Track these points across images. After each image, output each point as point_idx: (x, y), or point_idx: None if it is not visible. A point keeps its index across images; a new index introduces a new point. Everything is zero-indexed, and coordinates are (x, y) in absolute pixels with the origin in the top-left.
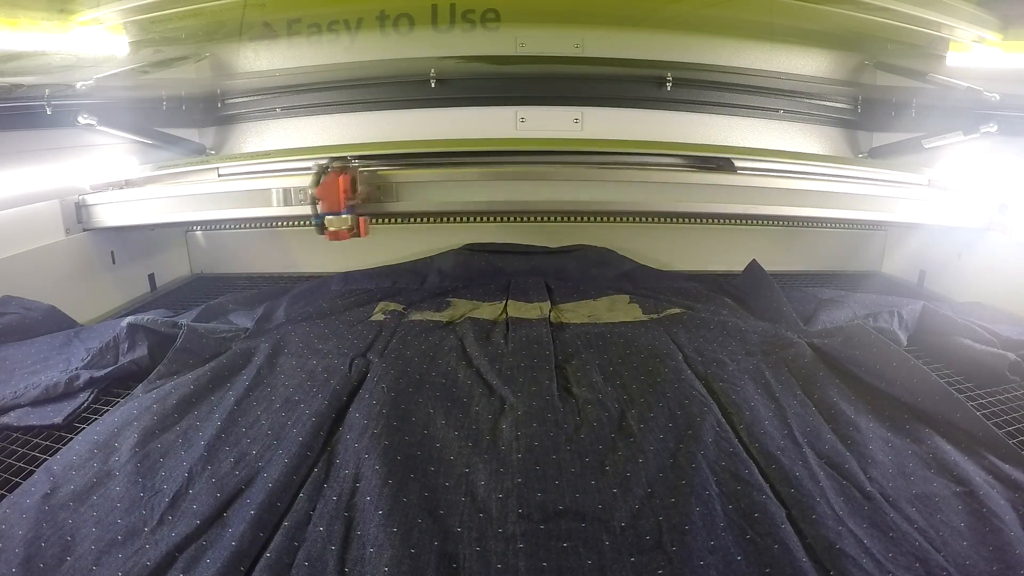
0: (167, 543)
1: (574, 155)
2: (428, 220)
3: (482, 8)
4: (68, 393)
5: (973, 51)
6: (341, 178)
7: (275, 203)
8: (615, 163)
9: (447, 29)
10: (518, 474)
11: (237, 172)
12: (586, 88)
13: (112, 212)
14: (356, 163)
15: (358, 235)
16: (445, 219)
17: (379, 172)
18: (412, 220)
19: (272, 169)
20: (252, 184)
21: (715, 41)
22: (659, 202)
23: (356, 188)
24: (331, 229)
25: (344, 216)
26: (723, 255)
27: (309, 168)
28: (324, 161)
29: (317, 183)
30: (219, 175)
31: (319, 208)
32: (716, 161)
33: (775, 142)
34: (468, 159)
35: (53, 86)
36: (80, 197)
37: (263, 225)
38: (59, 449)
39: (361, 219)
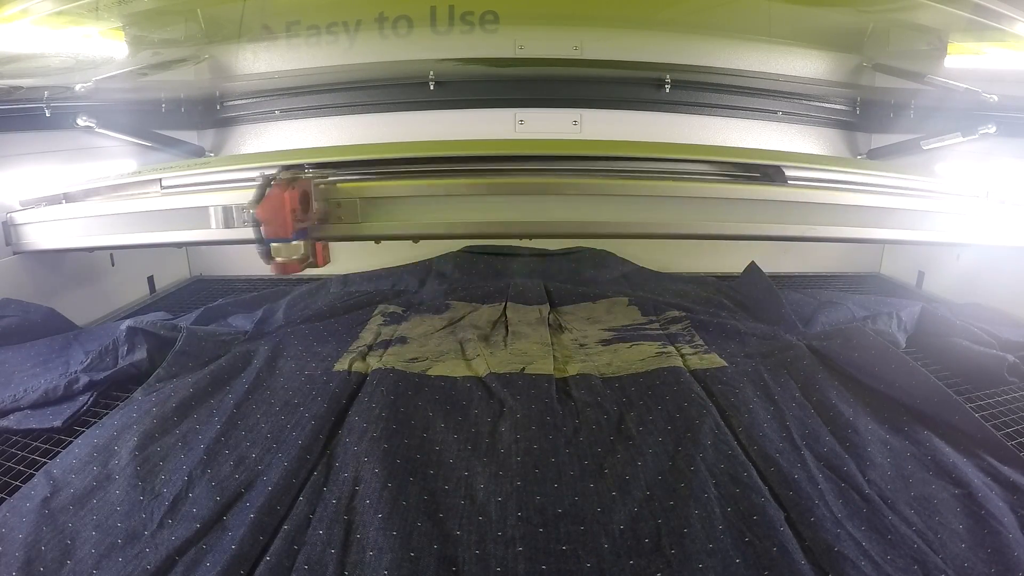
0: (167, 546)
1: (584, 160)
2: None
3: (481, 10)
4: (67, 396)
5: (971, 52)
6: (287, 194)
7: (214, 224)
8: (640, 171)
9: (446, 31)
10: (517, 477)
11: (183, 184)
12: (585, 90)
13: (45, 232)
14: (311, 173)
15: (314, 265)
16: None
17: (339, 185)
18: None
19: (228, 179)
20: (197, 200)
21: (713, 43)
22: (704, 223)
23: (309, 206)
24: (278, 260)
25: (295, 243)
26: (722, 257)
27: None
28: (272, 171)
29: (259, 200)
30: (162, 187)
31: (263, 232)
32: (761, 169)
33: (774, 144)
34: (457, 166)
35: (52, 88)
36: (8, 215)
37: None
38: (59, 452)
39: (318, 245)
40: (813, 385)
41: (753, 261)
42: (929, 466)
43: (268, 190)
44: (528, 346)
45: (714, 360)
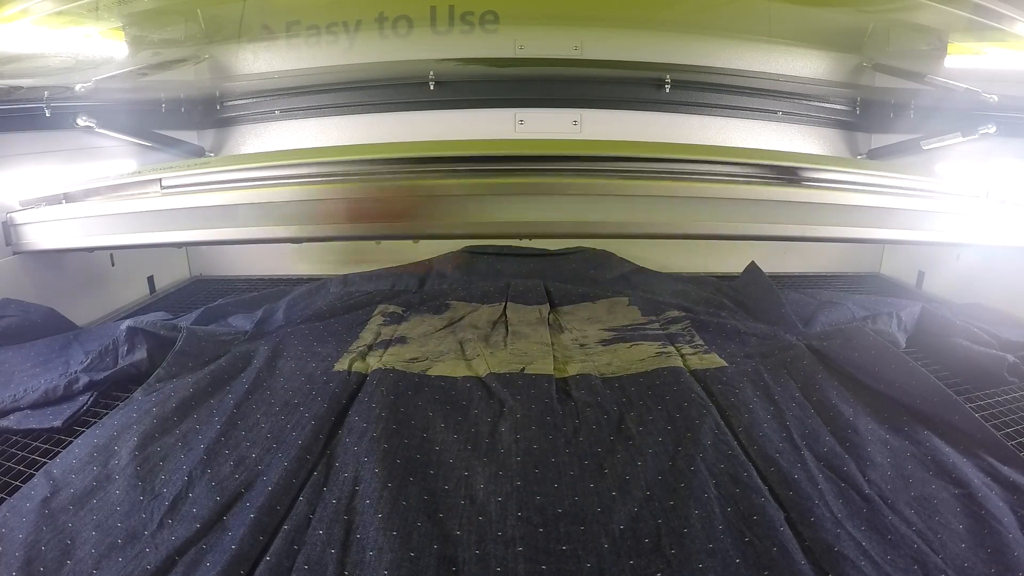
0: (167, 547)
1: (584, 160)
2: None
3: (481, 10)
4: (67, 396)
5: (971, 52)
6: None
7: (214, 224)
8: (640, 171)
9: (446, 31)
10: (517, 477)
11: (183, 184)
12: (585, 90)
13: (45, 232)
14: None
15: None
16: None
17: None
18: None
19: (226, 180)
20: (197, 200)
21: (713, 43)
22: (704, 223)
23: None
24: None
25: None
26: (722, 257)
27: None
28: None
29: None
30: (162, 187)
31: None
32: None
33: (774, 144)
34: (457, 166)
35: (52, 88)
36: (8, 215)
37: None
38: (58, 452)
39: None
40: (813, 385)
41: (753, 261)
42: (929, 466)
43: None
44: (528, 346)
45: (714, 360)
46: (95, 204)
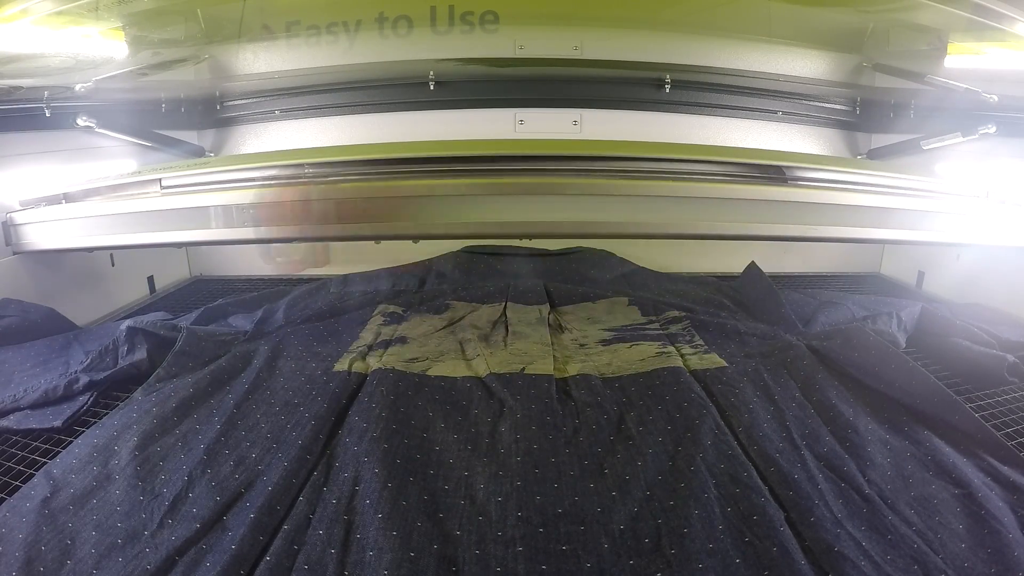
0: (167, 547)
1: (584, 160)
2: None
3: (481, 10)
4: (67, 396)
5: (971, 52)
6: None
7: (214, 224)
8: (640, 171)
9: (446, 31)
10: (517, 477)
11: (183, 184)
12: (585, 90)
13: (45, 232)
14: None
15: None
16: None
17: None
18: None
19: (226, 180)
20: (197, 200)
21: (713, 43)
22: (704, 223)
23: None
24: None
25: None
26: (722, 257)
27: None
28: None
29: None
30: (162, 187)
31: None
32: (762, 169)
33: (774, 144)
34: (457, 166)
35: (52, 88)
36: (8, 215)
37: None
38: (58, 453)
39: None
40: (813, 385)
41: (753, 261)
42: (929, 466)
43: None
44: (528, 346)
45: (714, 360)
46: (95, 204)
